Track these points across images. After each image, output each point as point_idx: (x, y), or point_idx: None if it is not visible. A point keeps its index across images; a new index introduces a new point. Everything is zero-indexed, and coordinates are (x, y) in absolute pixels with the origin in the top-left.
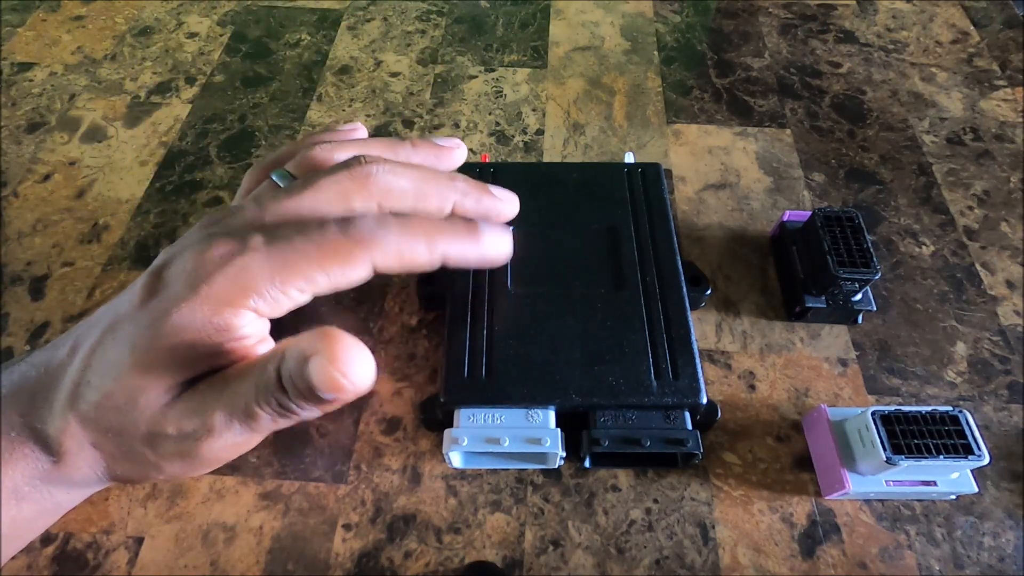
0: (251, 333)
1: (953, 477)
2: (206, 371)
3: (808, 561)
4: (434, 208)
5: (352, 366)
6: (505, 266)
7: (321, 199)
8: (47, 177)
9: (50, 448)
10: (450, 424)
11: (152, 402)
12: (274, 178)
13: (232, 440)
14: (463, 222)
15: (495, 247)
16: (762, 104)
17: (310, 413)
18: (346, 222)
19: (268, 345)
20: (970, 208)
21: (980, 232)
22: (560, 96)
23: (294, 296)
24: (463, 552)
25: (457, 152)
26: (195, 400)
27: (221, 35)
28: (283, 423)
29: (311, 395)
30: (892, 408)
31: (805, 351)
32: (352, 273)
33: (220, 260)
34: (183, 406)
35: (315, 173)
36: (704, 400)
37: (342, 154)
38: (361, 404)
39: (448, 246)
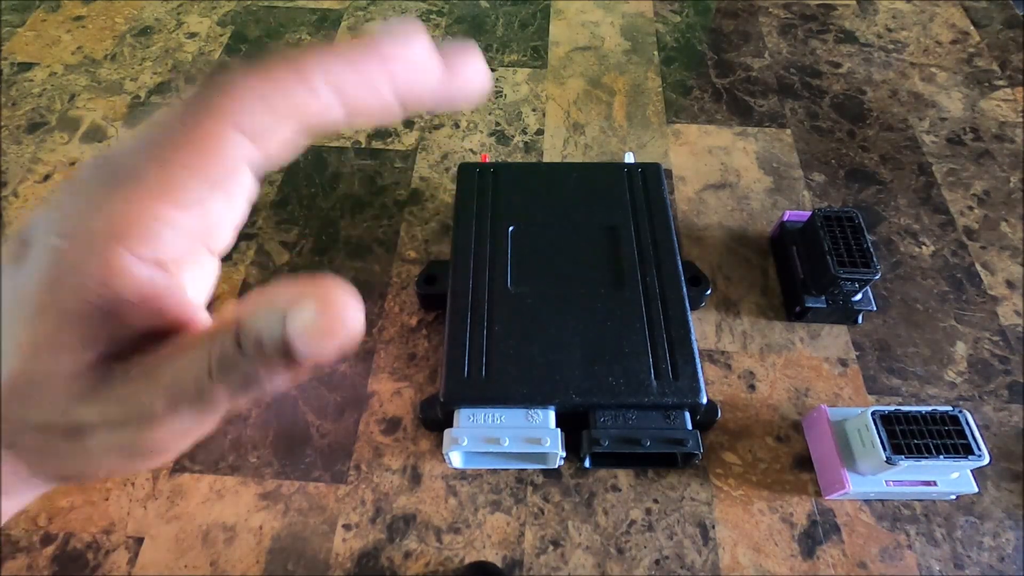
0: (145, 280)
1: (953, 477)
2: (124, 343)
3: (808, 561)
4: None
5: (348, 312)
6: (505, 266)
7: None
8: (47, 177)
9: None
10: (450, 424)
11: (59, 390)
12: None
13: (180, 427)
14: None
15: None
16: (762, 104)
17: (277, 383)
18: (190, 103)
19: (200, 311)
20: (970, 208)
21: (980, 232)
22: (560, 96)
23: (178, 220)
24: (463, 552)
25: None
26: (127, 386)
27: (221, 35)
28: (241, 401)
29: (287, 360)
30: (892, 408)
31: (805, 351)
32: (221, 160)
33: (80, 212)
34: (110, 394)
35: None
36: (704, 400)
37: None
38: (361, 404)
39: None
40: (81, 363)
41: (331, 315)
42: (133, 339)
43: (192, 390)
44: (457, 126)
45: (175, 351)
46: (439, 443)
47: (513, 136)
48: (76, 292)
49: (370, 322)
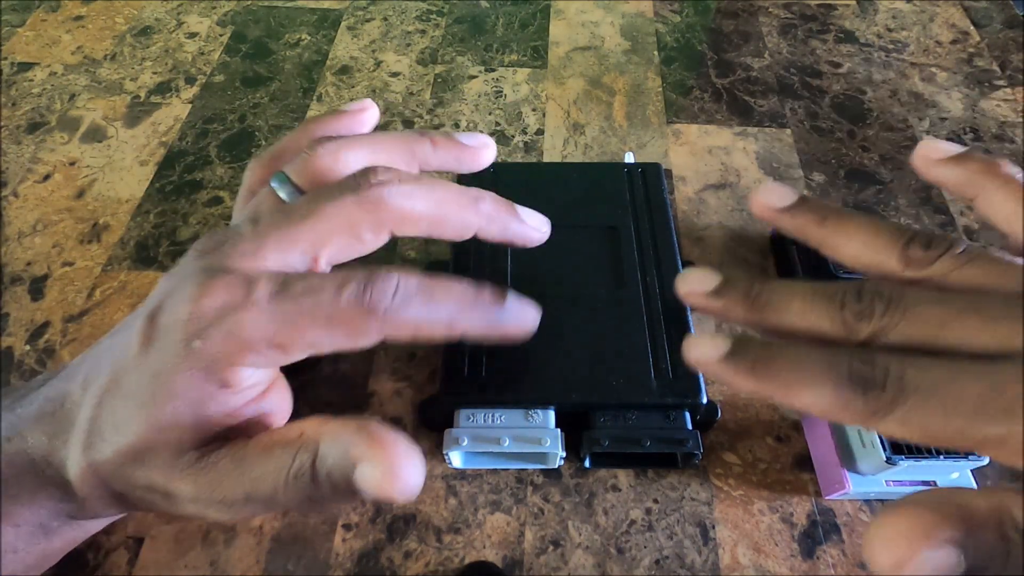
0: (255, 383)
1: (953, 477)
2: (221, 429)
3: (808, 561)
4: (452, 235)
5: (409, 478)
6: (505, 266)
7: (324, 229)
8: (47, 177)
9: (70, 491)
10: (450, 424)
11: (166, 462)
12: (273, 185)
13: (251, 512)
14: (491, 298)
15: (518, 327)
16: (762, 104)
17: (337, 506)
18: (366, 290)
19: (280, 389)
20: (970, 208)
21: (980, 232)
22: (560, 96)
23: (295, 356)
24: (463, 552)
25: (485, 153)
26: (216, 472)
27: (221, 35)
28: (306, 509)
29: (351, 495)
30: None
31: None
32: (359, 342)
33: (216, 311)
34: (201, 477)
35: (319, 193)
36: (704, 400)
37: (349, 157)
38: (361, 405)
39: (469, 324)
40: (187, 441)
41: (393, 477)
42: (224, 423)
43: (267, 494)
44: (457, 126)
45: (261, 451)
46: (439, 443)
47: (513, 136)
48: (204, 384)
49: None
